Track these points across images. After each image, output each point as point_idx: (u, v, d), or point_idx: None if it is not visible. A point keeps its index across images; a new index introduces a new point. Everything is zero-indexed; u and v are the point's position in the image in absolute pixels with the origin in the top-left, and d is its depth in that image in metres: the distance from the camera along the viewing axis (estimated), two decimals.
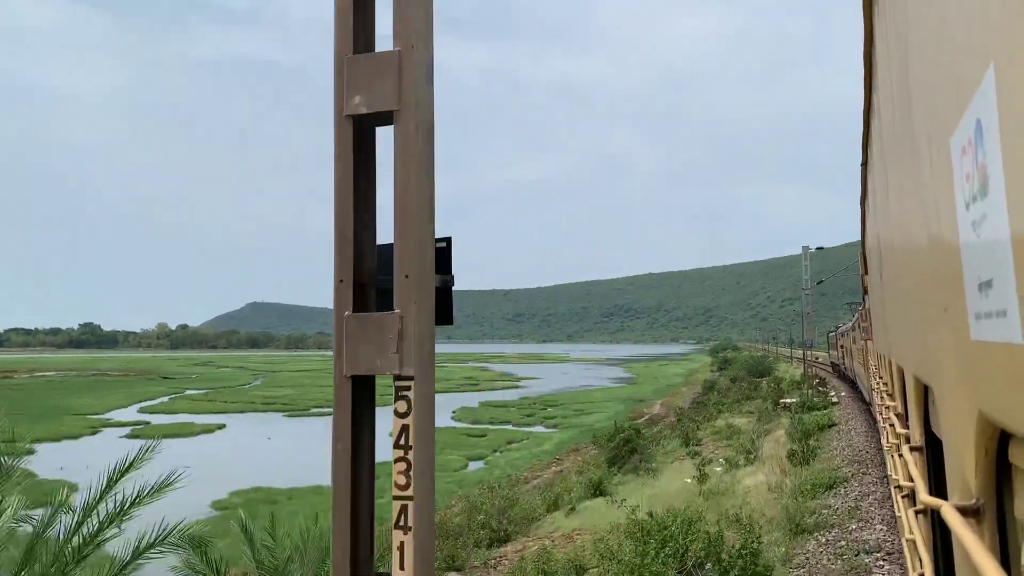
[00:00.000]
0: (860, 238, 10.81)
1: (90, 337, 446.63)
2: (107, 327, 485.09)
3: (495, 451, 43.47)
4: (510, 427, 55.57)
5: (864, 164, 7.32)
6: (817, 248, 48.12)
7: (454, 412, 64.68)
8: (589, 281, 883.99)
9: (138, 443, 9.81)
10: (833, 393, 41.34)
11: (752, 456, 23.02)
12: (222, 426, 56.39)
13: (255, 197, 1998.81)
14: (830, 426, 24.77)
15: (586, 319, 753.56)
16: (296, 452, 40.59)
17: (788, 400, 34.70)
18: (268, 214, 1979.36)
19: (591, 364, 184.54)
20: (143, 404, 74.36)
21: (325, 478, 2.58)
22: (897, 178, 3.33)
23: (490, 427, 55.56)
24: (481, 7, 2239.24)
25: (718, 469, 21.93)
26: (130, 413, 66.37)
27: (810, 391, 47.37)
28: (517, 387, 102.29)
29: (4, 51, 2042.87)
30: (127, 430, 52.14)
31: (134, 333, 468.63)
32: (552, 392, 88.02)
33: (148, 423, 57.18)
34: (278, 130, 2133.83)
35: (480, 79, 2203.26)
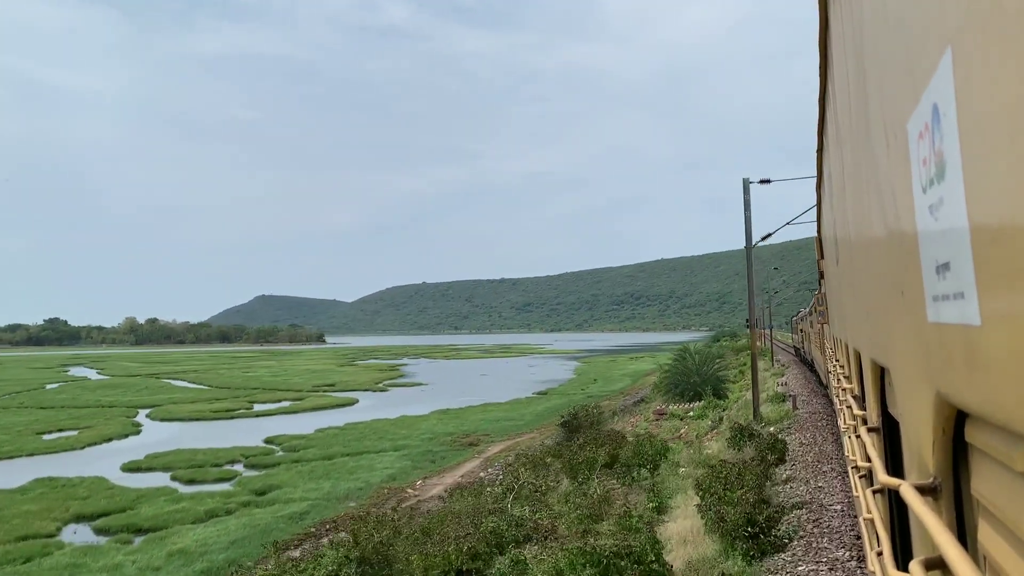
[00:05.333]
0: (816, 223, 10.64)
1: (51, 333, 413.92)
2: (87, 324, 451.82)
3: None
4: None
5: (819, 150, 7.21)
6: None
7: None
8: (599, 268, 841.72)
9: None
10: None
11: None
12: None
13: (266, 190, 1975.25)
14: None
15: (596, 307, 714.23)
16: None
17: None
18: (279, 208, 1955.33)
19: (550, 357, 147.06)
20: None
21: None
22: (853, 163, 3.29)
23: None
24: None
25: None
26: None
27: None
28: (356, 402, 65.28)
29: (12, 51, 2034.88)
30: None
31: (100, 329, 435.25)
32: (364, 421, 50.35)
33: None
34: (288, 125, 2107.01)
35: (489, 69, 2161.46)
